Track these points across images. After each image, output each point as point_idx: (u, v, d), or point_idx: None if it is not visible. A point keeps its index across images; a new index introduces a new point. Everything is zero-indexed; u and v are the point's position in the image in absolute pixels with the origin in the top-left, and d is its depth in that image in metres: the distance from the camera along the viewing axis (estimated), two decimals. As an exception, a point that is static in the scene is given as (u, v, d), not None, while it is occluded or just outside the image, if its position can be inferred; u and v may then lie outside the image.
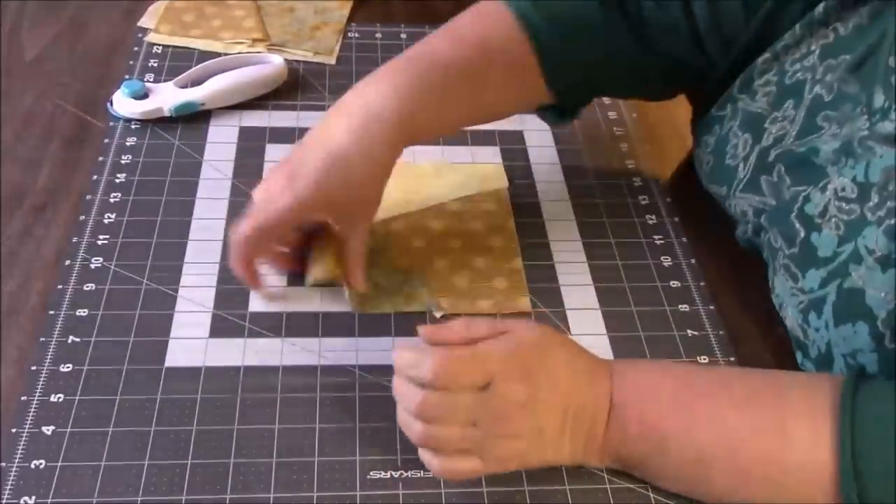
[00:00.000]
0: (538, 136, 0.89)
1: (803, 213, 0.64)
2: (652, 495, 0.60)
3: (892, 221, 0.57)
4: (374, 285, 0.72)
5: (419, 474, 0.60)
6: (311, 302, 0.71)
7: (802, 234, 0.64)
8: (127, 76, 0.91)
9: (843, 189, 0.61)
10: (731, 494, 0.57)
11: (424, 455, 0.58)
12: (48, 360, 0.64)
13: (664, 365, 0.66)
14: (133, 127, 0.85)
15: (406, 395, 0.57)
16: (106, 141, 0.84)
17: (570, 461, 0.60)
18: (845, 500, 0.53)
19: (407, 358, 0.57)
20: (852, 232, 0.60)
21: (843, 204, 0.61)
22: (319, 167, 0.64)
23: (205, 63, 0.90)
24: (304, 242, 0.71)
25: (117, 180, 0.80)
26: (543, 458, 0.59)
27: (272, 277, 0.72)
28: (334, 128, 0.65)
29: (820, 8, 0.66)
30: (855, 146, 0.61)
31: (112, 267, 0.72)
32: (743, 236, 0.73)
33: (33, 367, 0.64)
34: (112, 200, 0.78)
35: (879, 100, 0.61)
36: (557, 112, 0.79)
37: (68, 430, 0.60)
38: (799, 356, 0.65)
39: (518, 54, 0.72)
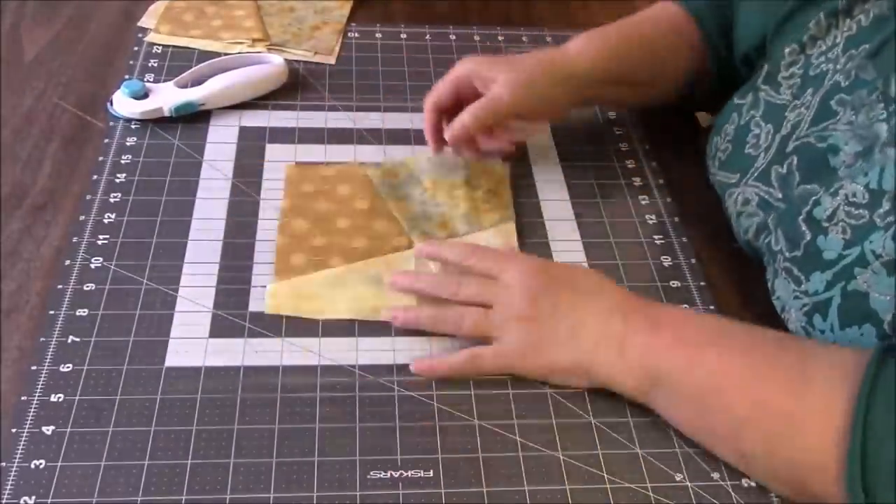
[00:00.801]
0: (538, 135, 0.89)
1: (811, 216, 0.65)
2: (652, 496, 0.60)
3: None
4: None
5: (419, 474, 0.60)
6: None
7: (808, 237, 0.64)
8: (127, 76, 0.91)
9: (854, 195, 0.62)
10: (743, 427, 0.58)
11: (453, 355, 0.65)
12: (48, 360, 0.64)
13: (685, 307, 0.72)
14: (133, 127, 0.85)
15: (435, 283, 0.69)
16: (106, 141, 0.84)
17: (597, 361, 0.63)
18: (850, 452, 0.53)
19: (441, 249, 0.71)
20: (860, 236, 0.60)
21: (853, 209, 0.62)
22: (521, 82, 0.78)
23: (205, 63, 0.90)
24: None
25: (117, 180, 0.80)
26: (570, 352, 0.64)
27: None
28: (540, 60, 0.81)
29: None
30: (875, 152, 0.61)
31: (112, 267, 0.72)
32: (743, 236, 0.73)
33: (33, 367, 0.64)
34: (112, 200, 0.78)
35: (895, 88, 0.61)
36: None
37: (68, 430, 0.60)
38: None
39: (679, 22, 0.85)
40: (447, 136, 0.79)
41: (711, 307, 0.73)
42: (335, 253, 0.74)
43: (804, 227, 0.65)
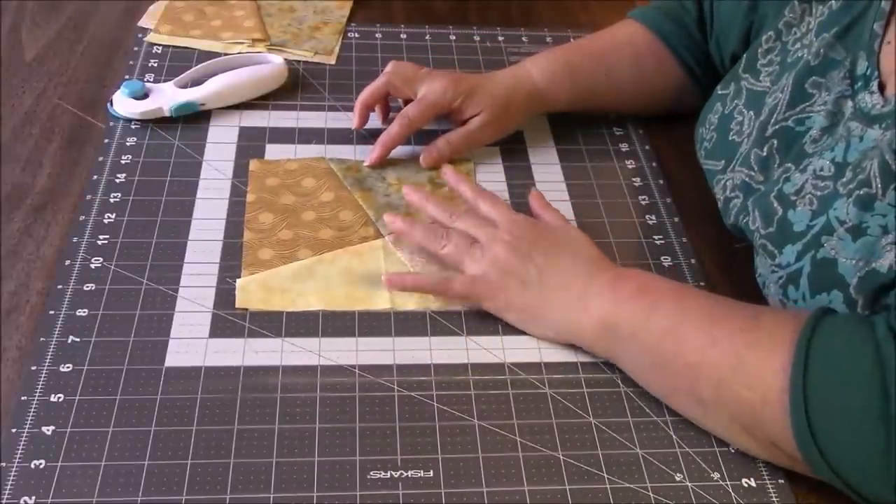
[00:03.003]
0: (538, 136, 0.89)
1: (782, 192, 0.67)
2: (652, 496, 0.60)
3: (861, 192, 0.60)
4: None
5: (419, 474, 0.60)
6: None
7: (780, 213, 0.66)
8: (127, 76, 0.91)
9: (822, 169, 0.64)
10: (697, 370, 0.60)
11: (426, 275, 0.72)
12: (48, 360, 0.64)
13: None
14: (133, 127, 0.85)
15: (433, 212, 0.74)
16: (106, 141, 0.84)
17: (561, 314, 0.67)
18: (791, 389, 0.56)
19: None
20: (824, 205, 0.63)
21: (819, 182, 0.64)
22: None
23: (205, 63, 0.90)
24: None
25: (117, 180, 0.80)
26: (532, 300, 0.68)
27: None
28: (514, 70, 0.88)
29: None
30: (839, 127, 0.64)
31: (112, 267, 0.72)
32: (730, 220, 0.74)
33: (33, 367, 0.64)
34: (112, 200, 0.78)
35: (862, 66, 0.64)
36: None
37: (68, 430, 0.60)
38: None
39: (642, 39, 0.88)
40: (422, 158, 0.83)
41: (711, 307, 0.73)
42: (303, 245, 0.75)
43: (776, 204, 0.67)
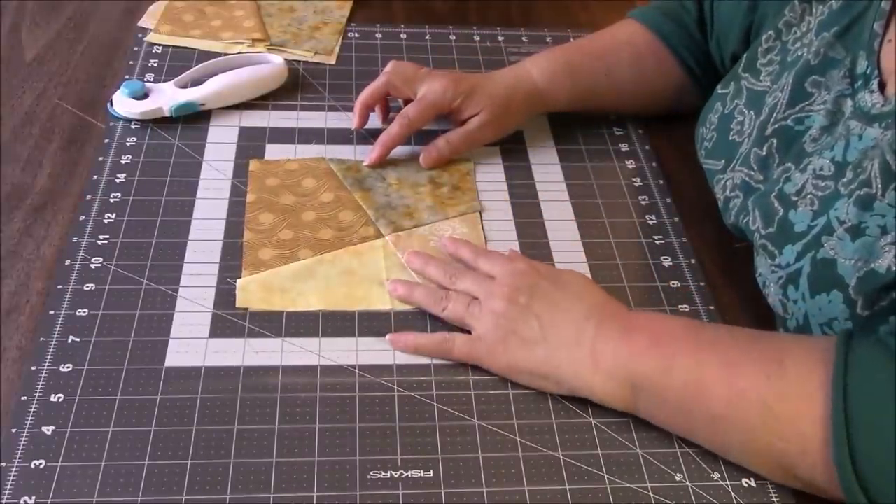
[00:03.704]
0: (538, 136, 0.89)
1: (782, 192, 0.67)
2: (652, 496, 0.60)
3: (862, 192, 0.60)
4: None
5: (419, 474, 0.60)
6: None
7: (781, 213, 0.66)
8: (127, 76, 0.91)
9: (822, 168, 0.64)
10: (723, 422, 0.58)
11: (427, 336, 0.68)
12: (48, 360, 0.64)
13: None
14: (133, 127, 0.85)
15: (434, 273, 0.72)
16: (106, 141, 0.84)
17: (574, 372, 0.63)
18: (834, 438, 0.54)
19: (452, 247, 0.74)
20: (825, 206, 0.62)
21: (819, 181, 0.64)
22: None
23: (205, 63, 0.90)
24: None
25: (117, 180, 0.80)
26: (545, 358, 0.64)
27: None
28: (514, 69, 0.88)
29: None
30: (838, 126, 0.64)
31: (112, 267, 0.72)
32: (730, 220, 0.74)
33: (33, 367, 0.64)
34: (112, 200, 0.78)
35: (862, 65, 0.64)
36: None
37: (68, 430, 0.60)
38: (781, 332, 0.67)
39: (645, 42, 0.88)
40: (422, 158, 0.83)
41: (711, 307, 0.73)
42: (303, 246, 0.75)
43: (777, 204, 0.67)
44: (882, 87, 0.63)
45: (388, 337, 0.68)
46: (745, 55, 0.77)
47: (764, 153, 0.70)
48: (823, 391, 0.55)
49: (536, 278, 0.67)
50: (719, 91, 0.79)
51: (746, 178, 0.72)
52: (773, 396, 0.57)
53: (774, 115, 0.70)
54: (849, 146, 0.63)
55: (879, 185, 0.59)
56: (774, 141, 0.70)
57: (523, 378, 0.65)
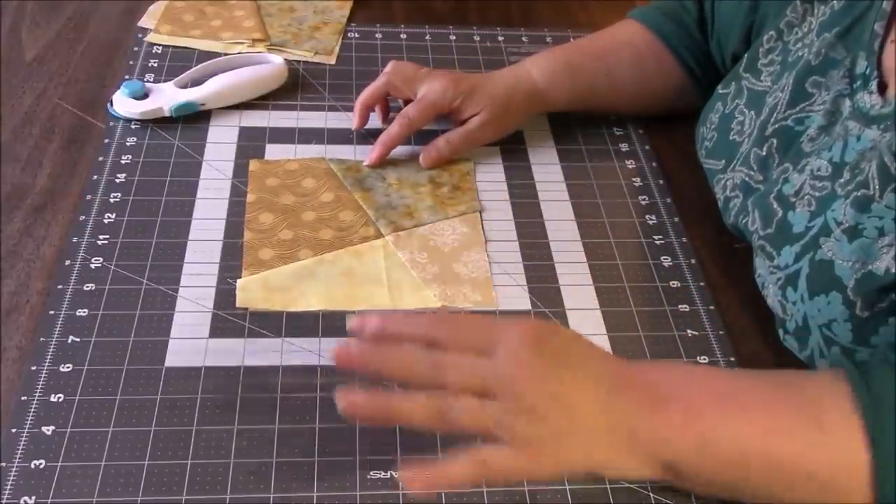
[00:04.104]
0: (538, 136, 0.89)
1: (781, 193, 0.67)
2: (652, 495, 0.60)
3: (859, 193, 0.60)
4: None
5: (419, 474, 0.60)
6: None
7: (780, 214, 0.66)
8: (127, 76, 0.91)
9: (819, 169, 0.64)
10: (767, 493, 0.56)
11: (452, 463, 0.52)
12: (48, 360, 0.64)
13: (677, 364, 0.67)
14: (133, 127, 0.85)
15: (400, 359, 0.52)
16: (106, 141, 0.84)
17: (609, 459, 0.55)
18: (881, 493, 0.52)
19: (396, 318, 0.54)
20: (822, 207, 0.62)
21: (817, 182, 0.64)
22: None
23: (205, 63, 0.90)
24: None
25: (117, 180, 0.80)
26: (581, 451, 0.54)
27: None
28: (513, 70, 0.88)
29: None
30: (836, 126, 0.64)
31: (112, 267, 0.72)
32: (730, 220, 0.74)
33: (33, 367, 0.64)
34: (112, 200, 0.78)
35: (862, 65, 0.64)
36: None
37: (68, 430, 0.60)
38: (781, 332, 0.67)
39: (645, 41, 0.88)
40: (422, 158, 0.83)
41: (711, 307, 0.73)
42: (303, 246, 0.75)
43: (776, 205, 0.67)
44: (882, 87, 0.63)
45: (405, 482, 0.53)
46: (746, 55, 0.77)
47: (764, 153, 0.70)
48: (860, 440, 0.53)
49: (549, 352, 0.55)
50: (720, 91, 0.79)
51: (746, 179, 0.72)
52: (814, 462, 0.54)
53: (775, 115, 0.70)
54: (847, 147, 0.63)
55: (877, 187, 0.59)
56: (774, 141, 0.70)
57: (567, 475, 0.58)
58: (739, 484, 0.56)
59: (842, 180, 0.62)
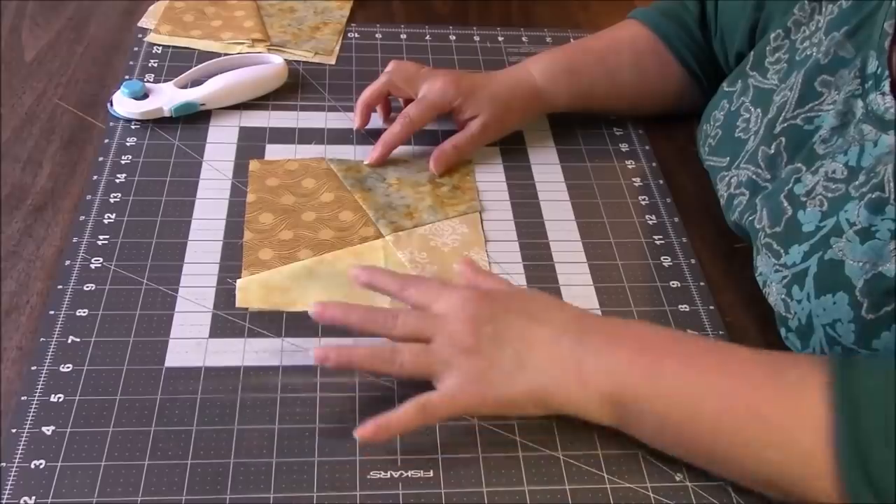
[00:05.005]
0: (538, 136, 0.89)
1: (792, 193, 0.67)
2: (652, 496, 0.60)
3: (874, 195, 0.59)
4: None
5: (419, 474, 0.60)
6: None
7: (789, 213, 0.66)
8: (127, 76, 0.91)
9: (834, 172, 0.64)
10: (717, 432, 0.56)
11: (398, 410, 0.59)
12: (48, 360, 0.64)
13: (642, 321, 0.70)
14: (133, 127, 0.85)
15: (360, 317, 0.62)
16: (106, 141, 0.84)
17: (555, 392, 0.59)
18: (838, 446, 0.52)
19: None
20: (835, 207, 0.62)
21: (831, 184, 0.63)
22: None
23: (205, 63, 0.90)
24: None
25: (117, 180, 0.80)
26: (526, 384, 0.59)
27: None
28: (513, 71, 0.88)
29: None
30: (850, 128, 0.64)
31: (112, 267, 0.72)
32: (731, 217, 0.74)
33: (33, 367, 0.64)
34: (112, 200, 0.78)
35: (873, 65, 0.64)
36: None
37: (68, 430, 0.60)
38: (783, 331, 0.66)
39: (646, 42, 0.88)
40: (433, 166, 0.82)
41: (711, 307, 0.73)
42: (303, 246, 0.75)
43: (786, 204, 0.67)
44: (894, 88, 0.62)
45: (356, 434, 0.59)
46: (752, 53, 0.77)
47: (772, 152, 0.70)
48: (821, 394, 0.53)
49: (492, 303, 0.62)
50: (725, 89, 0.79)
51: (753, 176, 0.72)
52: (767, 403, 0.55)
53: (783, 114, 0.70)
54: (863, 152, 0.62)
55: (892, 189, 0.58)
56: (783, 140, 0.70)
57: (516, 411, 0.61)
58: (687, 427, 0.57)
59: (856, 182, 0.61)
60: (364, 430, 0.58)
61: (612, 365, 0.59)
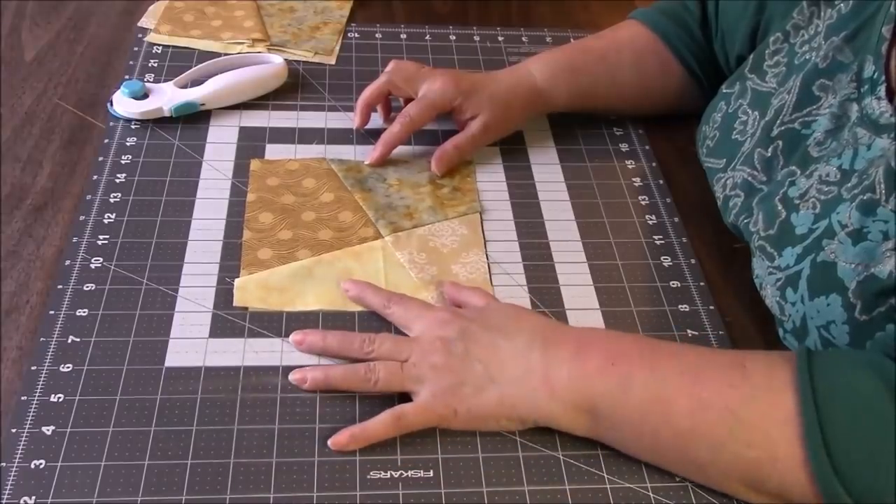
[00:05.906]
0: (538, 136, 0.89)
1: (786, 196, 0.67)
2: (652, 496, 0.60)
3: (865, 197, 0.59)
4: None
5: (419, 474, 0.60)
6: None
7: (783, 216, 0.66)
8: (127, 76, 0.91)
9: (828, 175, 0.64)
10: (690, 434, 0.57)
11: (373, 420, 0.61)
12: (48, 360, 0.64)
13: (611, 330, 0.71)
14: (133, 127, 0.85)
15: (338, 343, 0.66)
16: (106, 141, 0.84)
17: (526, 405, 0.60)
18: (806, 434, 0.53)
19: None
20: (827, 209, 0.62)
21: (824, 187, 0.64)
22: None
23: (205, 63, 0.90)
24: None
25: (117, 180, 0.80)
26: (495, 398, 0.61)
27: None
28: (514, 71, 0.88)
29: None
30: (844, 132, 0.64)
31: (112, 267, 0.72)
32: (729, 219, 0.74)
33: (33, 367, 0.64)
34: (112, 200, 0.78)
35: (870, 69, 0.64)
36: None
37: (68, 430, 0.60)
38: (780, 331, 0.67)
39: (647, 42, 0.88)
40: (435, 166, 0.82)
41: (711, 307, 0.73)
42: (302, 246, 0.75)
43: (780, 207, 0.67)
44: (890, 93, 0.62)
45: (330, 443, 0.61)
46: (751, 56, 0.77)
47: (769, 154, 0.70)
48: (789, 389, 0.55)
49: (462, 322, 0.64)
50: (724, 90, 0.79)
51: (748, 178, 0.72)
52: (738, 401, 0.56)
53: (781, 117, 0.70)
54: (857, 155, 0.62)
55: (883, 191, 0.59)
56: (780, 143, 0.70)
57: (489, 425, 0.62)
58: (664, 431, 0.58)
59: (849, 184, 0.62)
60: (338, 439, 0.60)
61: (580, 376, 0.60)
